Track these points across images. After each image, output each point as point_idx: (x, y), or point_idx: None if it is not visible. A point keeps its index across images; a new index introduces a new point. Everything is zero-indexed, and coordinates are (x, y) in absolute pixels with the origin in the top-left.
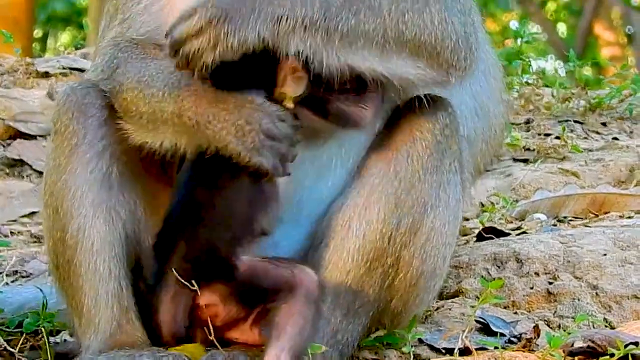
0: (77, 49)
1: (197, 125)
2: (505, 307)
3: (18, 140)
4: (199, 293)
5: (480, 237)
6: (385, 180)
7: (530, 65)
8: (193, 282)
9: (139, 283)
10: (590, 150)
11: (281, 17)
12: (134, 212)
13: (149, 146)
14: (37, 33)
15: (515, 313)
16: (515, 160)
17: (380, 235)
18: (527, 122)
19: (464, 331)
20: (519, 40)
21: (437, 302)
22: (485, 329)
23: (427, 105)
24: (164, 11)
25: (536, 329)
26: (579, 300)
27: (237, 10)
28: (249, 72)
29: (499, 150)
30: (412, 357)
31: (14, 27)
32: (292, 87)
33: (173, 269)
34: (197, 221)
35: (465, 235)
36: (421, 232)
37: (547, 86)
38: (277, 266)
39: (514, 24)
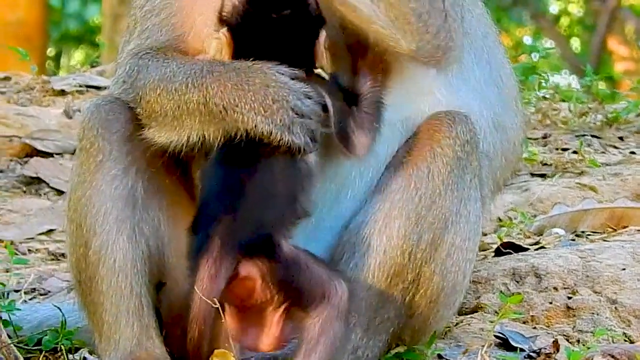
0: (92, 66)
1: (224, 110)
2: (524, 322)
3: (35, 158)
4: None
5: (498, 252)
6: (405, 196)
7: (547, 80)
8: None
9: (159, 299)
10: (608, 165)
11: None
12: (158, 228)
13: (175, 144)
14: (51, 51)
15: (535, 328)
16: (532, 175)
17: (401, 251)
18: (545, 136)
19: (483, 346)
20: (533, 55)
21: (456, 317)
22: (504, 344)
23: (447, 121)
24: (183, 20)
25: (555, 343)
26: (598, 314)
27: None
28: (275, 51)
29: (517, 165)
30: None
31: (26, 45)
32: (328, 60)
33: (217, 237)
34: (240, 200)
35: (484, 250)
36: (442, 248)
37: (563, 101)
38: (317, 264)
39: (527, 39)
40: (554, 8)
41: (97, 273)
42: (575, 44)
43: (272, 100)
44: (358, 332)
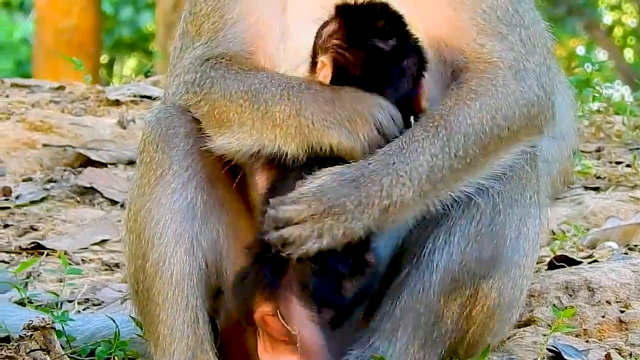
0: (146, 76)
1: (312, 124)
2: (576, 336)
3: (89, 168)
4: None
5: (552, 266)
6: (465, 212)
7: (601, 93)
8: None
9: (216, 312)
10: None
11: (388, 205)
12: (216, 241)
13: (242, 155)
14: (104, 59)
15: (587, 341)
16: (586, 188)
17: (460, 267)
18: (598, 150)
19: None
20: (587, 66)
21: (509, 330)
22: (557, 357)
23: None
24: (254, 31)
25: (608, 357)
26: None
27: (342, 204)
28: (376, 86)
29: (571, 175)
30: None
31: (79, 52)
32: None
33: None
34: None
35: (537, 263)
36: (500, 265)
37: (617, 114)
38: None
39: (580, 50)
40: (607, 19)
41: (154, 285)
42: (629, 54)
43: (359, 115)
44: (415, 346)
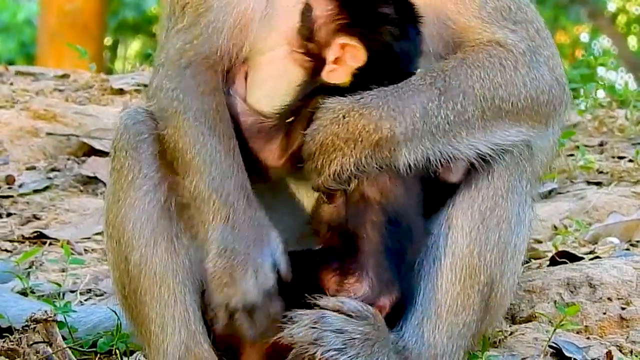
0: (147, 57)
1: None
2: (577, 332)
3: (92, 157)
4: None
5: (553, 262)
6: (467, 197)
7: (605, 86)
8: None
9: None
10: None
11: (378, 140)
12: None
13: None
14: (108, 41)
15: (588, 338)
16: (588, 183)
17: (469, 250)
18: (601, 144)
19: (538, 356)
20: (591, 55)
21: (510, 326)
22: (558, 353)
23: None
24: (238, 18)
25: (609, 354)
26: None
27: (331, 141)
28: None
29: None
30: None
31: (83, 33)
32: None
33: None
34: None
35: (539, 258)
36: (507, 251)
37: (621, 106)
38: None
39: (584, 37)
40: (612, 6)
41: (140, 285)
42: (633, 42)
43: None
44: (443, 338)
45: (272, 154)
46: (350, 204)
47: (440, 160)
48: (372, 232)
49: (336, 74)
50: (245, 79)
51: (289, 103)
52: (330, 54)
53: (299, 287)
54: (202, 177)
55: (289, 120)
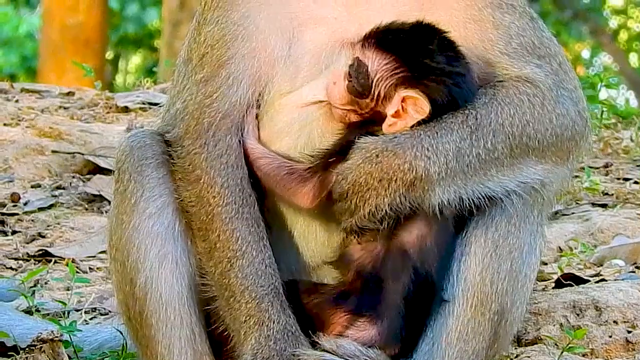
0: (149, 72)
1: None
2: (583, 355)
3: (97, 175)
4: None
5: (559, 284)
6: (480, 225)
7: (610, 108)
8: None
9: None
10: None
11: (414, 180)
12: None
13: None
14: (109, 54)
15: None
16: (593, 205)
17: (481, 277)
18: (606, 166)
19: None
20: (591, 69)
21: (516, 349)
22: None
23: None
24: (260, 69)
25: None
26: None
27: (364, 181)
28: None
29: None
30: None
31: (85, 48)
32: None
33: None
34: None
35: (544, 280)
36: (518, 279)
37: (625, 129)
38: None
39: (586, 53)
40: (613, 23)
41: (146, 308)
42: (634, 59)
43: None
44: None
45: (305, 197)
46: (381, 249)
47: (472, 199)
48: (396, 281)
49: (397, 127)
50: (257, 117)
51: (326, 148)
52: (390, 108)
53: (301, 317)
54: (232, 268)
55: (328, 162)
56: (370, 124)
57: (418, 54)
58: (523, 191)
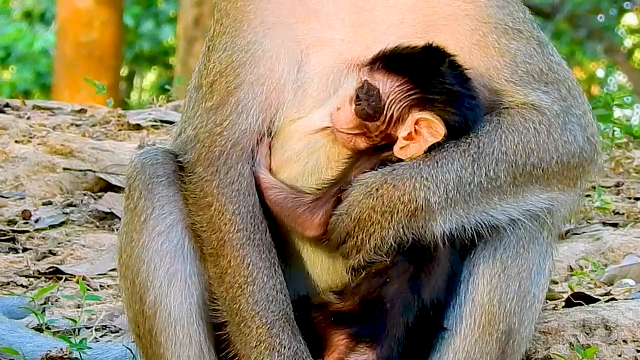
0: (163, 90)
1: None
2: None
3: (109, 193)
4: None
5: (569, 303)
6: (489, 245)
7: (622, 128)
8: None
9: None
10: None
11: (415, 210)
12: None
13: None
14: (123, 71)
15: None
16: (604, 224)
17: (489, 298)
18: (617, 185)
19: None
20: (605, 88)
21: None
22: None
23: None
24: (269, 95)
25: None
26: None
27: (368, 216)
28: None
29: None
30: None
31: (100, 64)
32: None
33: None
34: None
35: (554, 299)
36: (526, 300)
37: (637, 148)
38: None
39: (600, 72)
40: (628, 42)
41: (155, 326)
42: None
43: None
44: None
45: (311, 227)
46: (383, 277)
47: (474, 229)
48: (398, 309)
49: (409, 150)
50: (269, 146)
51: (332, 178)
52: (402, 131)
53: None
54: (243, 293)
55: (334, 192)
56: (378, 150)
57: (429, 75)
58: (528, 219)
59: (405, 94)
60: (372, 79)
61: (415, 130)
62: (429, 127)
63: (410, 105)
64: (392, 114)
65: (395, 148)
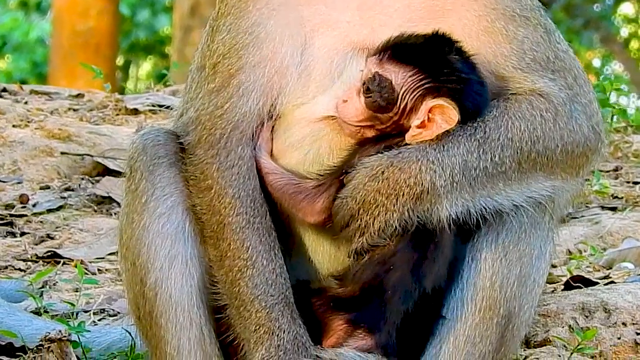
0: (160, 81)
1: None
2: (592, 357)
3: (106, 177)
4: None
5: (568, 286)
6: (491, 230)
7: (620, 112)
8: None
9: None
10: None
11: (420, 193)
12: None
13: None
14: (119, 60)
15: None
16: (603, 208)
17: (491, 282)
18: (616, 169)
19: None
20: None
21: (525, 350)
22: None
23: None
24: (272, 78)
25: None
26: None
27: (373, 198)
28: None
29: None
30: None
31: (96, 54)
32: None
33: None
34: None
35: (553, 283)
36: (527, 284)
37: (635, 133)
38: None
39: (596, 62)
40: (624, 31)
41: (155, 308)
42: None
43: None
44: None
45: (312, 214)
46: (386, 263)
47: (478, 214)
48: (399, 296)
49: (422, 137)
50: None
51: (334, 165)
52: (415, 119)
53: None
54: (242, 277)
55: (336, 179)
56: (385, 138)
57: (439, 63)
58: (530, 205)
59: (418, 84)
60: (383, 71)
61: (428, 117)
62: (443, 113)
63: (423, 94)
64: (406, 104)
65: (408, 136)
